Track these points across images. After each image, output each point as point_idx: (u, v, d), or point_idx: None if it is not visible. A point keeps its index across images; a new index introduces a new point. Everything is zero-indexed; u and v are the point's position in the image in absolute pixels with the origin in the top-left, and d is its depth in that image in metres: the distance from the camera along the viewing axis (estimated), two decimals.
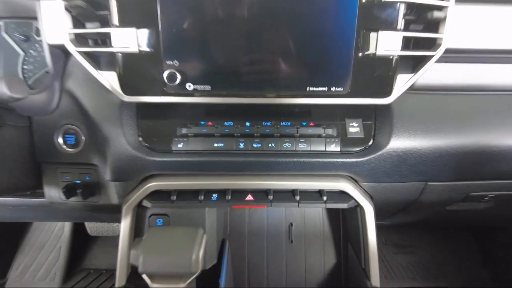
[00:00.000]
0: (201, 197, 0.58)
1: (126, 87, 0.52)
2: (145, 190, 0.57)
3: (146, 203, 0.58)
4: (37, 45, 0.67)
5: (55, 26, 0.56)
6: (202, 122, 0.55)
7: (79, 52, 0.52)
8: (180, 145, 0.54)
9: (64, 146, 0.61)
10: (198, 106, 0.55)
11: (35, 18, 0.66)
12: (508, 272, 1.10)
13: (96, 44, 0.54)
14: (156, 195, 0.58)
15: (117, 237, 1.15)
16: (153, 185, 0.57)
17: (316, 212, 0.71)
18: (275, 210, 0.71)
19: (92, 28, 0.52)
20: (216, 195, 0.58)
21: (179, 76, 0.50)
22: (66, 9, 0.51)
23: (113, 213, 0.67)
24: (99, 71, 0.52)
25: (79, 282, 1.19)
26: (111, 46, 0.50)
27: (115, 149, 0.55)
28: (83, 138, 0.60)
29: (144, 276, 0.46)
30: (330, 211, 0.73)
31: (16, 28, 0.67)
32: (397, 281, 1.02)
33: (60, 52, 0.60)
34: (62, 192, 0.62)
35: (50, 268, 1.19)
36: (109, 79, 0.52)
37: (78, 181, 0.62)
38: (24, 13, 0.66)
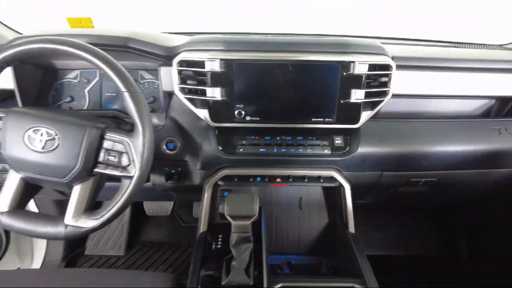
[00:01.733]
0: (251, 180, 1.00)
1: (213, 117, 0.94)
2: (220, 175, 0.99)
3: (220, 183, 1.01)
4: (141, 86, 1.09)
5: (169, 81, 0.97)
6: (252, 137, 0.97)
7: (186, 98, 0.94)
8: (241, 150, 0.97)
9: (167, 150, 1.02)
10: (251, 128, 0.97)
11: (141, 69, 1.08)
12: (450, 238, 1.54)
13: (195, 93, 0.95)
14: (226, 178, 1.01)
15: (167, 216, 1.57)
16: (224, 172, 0.99)
17: (316, 190, 1.15)
18: (291, 189, 1.14)
19: (192, 85, 0.94)
20: (259, 178, 1.01)
21: (243, 112, 0.93)
22: (179, 72, 0.93)
23: (191, 192, 1.09)
24: (196, 108, 0.94)
25: (137, 252, 1.60)
26: (206, 96, 0.92)
27: (205, 152, 0.96)
28: (179, 145, 1.01)
29: (228, 217, 0.87)
30: (324, 189, 1.17)
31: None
32: (374, 250, 1.44)
33: (167, 94, 1.01)
34: (164, 177, 1.03)
35: (116, 240, 1.60)
36: (203, 113, 0.94)
37: (173, 170, 1.03)
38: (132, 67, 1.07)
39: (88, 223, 0.76)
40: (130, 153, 0.75)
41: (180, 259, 1.55)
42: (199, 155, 0.98)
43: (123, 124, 0.92)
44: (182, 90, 0.94)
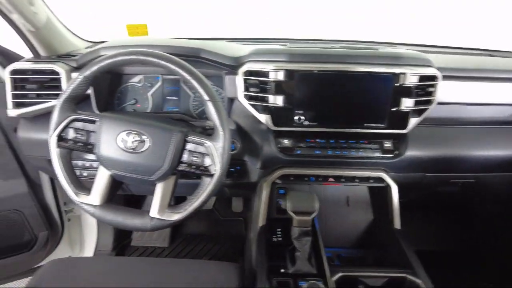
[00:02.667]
0: (306, 179, 1.10)
1: (274, 122, 1.02)
2: (277, 174, 1.09)
3: (277, 181, 1.10)
4: None
5: (232, 88, 1.05)
6: (308, 140, 1.06)
7: (249, 104, 1.03)
8: (298, 152, 1.06)
9: None
10: (307, 132, 1.06)
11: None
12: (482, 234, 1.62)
13: (257, 100, 1.04)
14: (282, 177, 1.10)
15: (207, 210, 1.67)
16: (282, 171, 1.08)
17: (362, 189, 1.23)
18: (339, 188, 1.23)
19: (255, 92, 1.03)
20: (313, 178, 1.10)
21: (302, 118, 1.02)
22: (244, 81, 1.02)
23: (245, 188, 1.19)
24: (258, 113, 1.03)
25: (180, 244, 1.71)
26: (268, 102, 1.01)
27: (265, 153, 1.05)
28: (239, 146, 1.10)
29: (290, 212, 0.96)
30: (370, 188, 1.25)
31: None
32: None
33: (229, 100, 1.10)
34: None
35: (161, 233, 1.70)
36: (264, 117, 1.03)
37: (232, 169, 1.13)
38: None
39: (172, 216, 0.85)
40: (211, 154, 0.84)
41: (221, 251, 1.65)
42: (259, 156, 1.07)
43: (193, 127, 1.01)
44: (246, 96, 1.02)
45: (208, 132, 1.02)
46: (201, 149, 0.85)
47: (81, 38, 1.32)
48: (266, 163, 1.07)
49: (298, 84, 0.99)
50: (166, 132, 0.84)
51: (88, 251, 1.64)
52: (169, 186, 0.87)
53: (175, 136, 0.84)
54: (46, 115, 1.08)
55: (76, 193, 0.86)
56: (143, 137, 0.84)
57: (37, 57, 1.13)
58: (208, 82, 0.86)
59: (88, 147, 0.86)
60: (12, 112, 1.05)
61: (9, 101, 1.05)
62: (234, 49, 1.09)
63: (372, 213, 1.23)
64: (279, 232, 1.06)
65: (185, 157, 0.85)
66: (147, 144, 0.83)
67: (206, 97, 0.84)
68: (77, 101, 0.88)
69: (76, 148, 0.87)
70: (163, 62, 0.84)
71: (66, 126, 0.86)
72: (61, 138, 0.86)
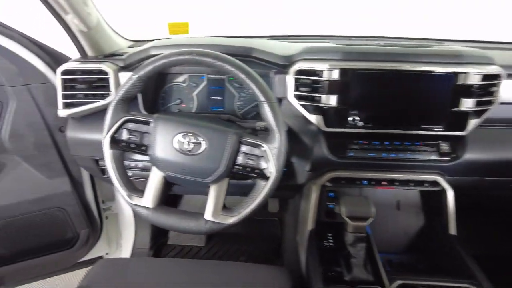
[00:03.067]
0: (357, 182, 1.06)
1: (326, 122, 0.99)
2: (328, 177, 1.05)
3: (327, 184, 1.07)
4: (245, 90, 1.15)
5: (282, 87, 1.02)
6: (361, 141, 1.02)
7: (299, 104, 1.00)
8: (350, 154, 1.02)
9: None
10: (360, 133, 1.02)
11: None
12: None
13: (309, 100, 1.01)
14: (333, 180, 1.06)
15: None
16: (332, 174, 1.05)
17: (413, 192, 1.18)
18: (389, 191, 1.19)
19: (306, 92, 0.99)
20: (366, 181, 1.06)
21: (356, 118, 0.98)
22: (295, 80, 0.99)
23: (290, 190, 1.16)
24: (309, 114, 1.00)
25: (216, 243, 1.70)
26: (320, 102, 0.98)
27: (316, 154, 1.02)
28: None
29: (345, 218, 0.92)
30: (421, 192, 1.20)
31: (234, 80, 1.15)
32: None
33: (278, 100, 1.07)
34: None
35: None
36: (316, 118, 1.00)
37: None
38: None
39: (227, 219, 0.83)
40: (267, 157, 0.81)
41: (257, 252, 1.63)
42: (308, 157, 1.04)
43: (244, 128, 0.99)
44: (296, 96, 0.99)
45: (259, 134, 1.00)
46: (256, 151, 0.83)
47: (123, 37, 1.32)
48: (316, 165, 1.04)
49: (353, 84, 0.96)
50: (222, 134, 0.82)
51: (126, 249, 1.65)
52: (222, 188, 0.85)
53: (231, 138, 0.82)
54: (92, 115, 1.09)
55: (130, 195, 0.85)
56: (199, 139, 0.82)
57: (84, 57, 1.13)
58: (264, 83, 0.83)
59: (142, 148, 0.85)
60: (63, 112, 1.05)
61: (60, 101, 1.05)
62: (283, 48, 1.06)
63: (423, 218, 1.18)
64: (330, 237, 1.02)
65: (240, 159, 0.83)
66: (203, 146, 0.82)
67: (262, 98, 0.82)
68: (130, 102, 0.87)
69: (130, 150, 0.86)
70: (219, 63, 0.81)
71: (120, 127, 0.85)
72: (114, 140, 0.85)
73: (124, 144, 0.85)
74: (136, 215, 1.62)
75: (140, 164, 1.13)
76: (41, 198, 1.33)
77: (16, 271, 1.42)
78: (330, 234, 1.03)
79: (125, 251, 1.65)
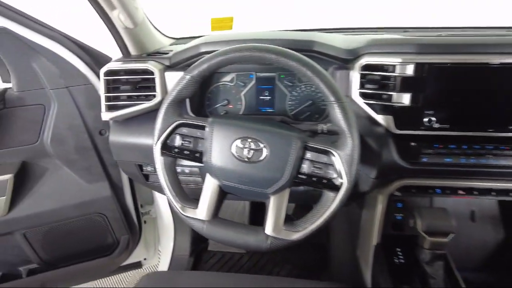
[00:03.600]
0: (430, 191, 0.93)
1: (398, 124, 0.87)
2: (397, 185, 0.93)
3: (396, 193, 0.95)
4: (297, 88, 1.05)
5: (343, 84, 0.92)
6: (436, 145, 0.90)
7: (366, 103, 0.89)
8: (424, 159, 0.90)
9: None
10: (435, 136, 0.89)
11: None
12: None
13: (377, 98, 0.89)
14: (402, 188, 0.94)
15: (286, 216, 1.54)
16: (403, 182, 0.93)
17: (489, 202, 1.05)
18: (460, 200, 1.06)
19: (373, 90, 0.88)
20: (439, 190, 0.94)
21: (432, 119, 0.85)
22: (361, 77, 0.88)
23: (353, 198, 1.05)
24: (377, 114, 0.89)
25: None
26: (391, 101, 0.86)
27: (384, 160, 0.91)
28: None
29: (422, 232, 0.81)
30: (500, 202, 1.07)
31: (285, 78, 1.06)
32: None
33: None
34: None
35: None
36: (384, 119, 0.88)
37: None
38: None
39: (290, 235, 0.74)
40: (337, 164, 0.71)
41: (302, 260, 1.53)
42: (374, 163, 0.93)
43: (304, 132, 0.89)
44: (361, 94, 0.88)
45: (321, 137, 0.89)
46: (323, 158, 0.73)
47: (164, 34, 1.24)
48: (384, 172, 0.93)
49: (429, 80, 0.83)
50: (285, 139, 0.73)
51: (165, 255, 1.60)
52: (284, 199, 0.76)
53: (295, 144, 0.72)
54: (136, 117, 1.02)
55: (183, 207, 0.77)
56: (260, 145, 0.73)
57: (127, 56, 1.06)
58: (333, 81, 0.73)
59: (196, 155, 0.77)
60: (106, 115, 0.99)
61: (103, 104, 0.99)
62: (345, 41, 0.95)
63: (503, 231, 1.04)
64: (400, 253, 0.91)
65: (305, 167, 0.73)
66: (264, 153, 0.73)
67: (332, 97, 0.71)
68: (182, 105, 0.79)
69: (183, 156, 0.78)
70: (283, 59, 0.72)
71: (172, 132, 0.77)
72: (166, 146, 0.78)
73: (176, 150, 0.78)
74: (175, 219, 1.57)
75: (187, 170, 1.06)
76: (82, 203, 1.30)
77: (58, 277, 1.40)
78: (399, 250, 0.91)
79: (164, 257, 1.60)
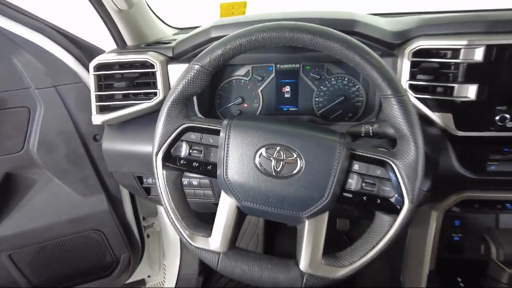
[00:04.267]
0: (499, 206, 0.75)
1: (459, 123, 0.69)
2: (457, 199, 0.75)
3: (454, 209, 0.77)
4: (326, 82, 0.88)
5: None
6: (507, 149, 0.72)
7: (417, 97, 0.71)
8: (492, 167, 0.72)
9: None
10: (505, 138, 0.71)
11: (327, 61, 0.87)
12: None
13: (431, 91, 0.72)
14: (463, 203, 0.76)
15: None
16: (464, 195, 0.75)
17: None
18: None
19: (428, 81, 0.71)
20: (511, 205, 0.75)
21: (507, 117, 0.67)
22: (412, 65, 0.70)
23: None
24: (432, 112, 0.71)
25: None
26: (451, 95, 0.68)
27: (441, 168, 0.73)
28: None
29: (497, 262, 0.63)
30: None
31: (311, 70, 0.88)
32: None
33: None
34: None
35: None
36: (442, 117, 0.70)
37: None
38: (318, 59, 0.86)
39: (333, 272, 0.57)
40: (395, 178, 0.54)
41: None
42: (428, 173, 0.75)
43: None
44: (413, 87, 0.71)
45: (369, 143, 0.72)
46: (376, 171, 0.55)
47: (166, 23, 1.07)
48: (440, 183, 0.75)
49: (504, 67, 0.65)
50: (326, 146, 0.55)
51: (171, 273, 1.43)
52: (322, 224, 0.59)
53: (339, 152, 0.55)
54: (134, 121, 0.85)
55: (192, 235, 0.60)
56: (294, 154, 0.55)
57: (122, 48, 0.89)
58: (391, 71, 0.55)
59: (208, 168, 0.60)
60: (97, 119, 0.82)
61: (94, 104, 0.82)
62: (388, 22, 0.77)
63: None
64: (462, 284, 0.73)
65: (352, 183, 0.56)
66: (298, 165, 0.55)
67: (388, 90, 0.54)
68: (188, 103, 0.62)
69: (191, 170, 0.61)
70: (320, 40, 0.55)
71: (177, 139, 0.60)
72: (169, 156, 0.60)
73: (183, 162, 0.61)
74: None
75: (195, 182, 0.89)
76: (76, 219, 1.14)
77: None
78: (460, 279, 0.73)
79: (170, 275, 1.43)
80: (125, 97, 0.85)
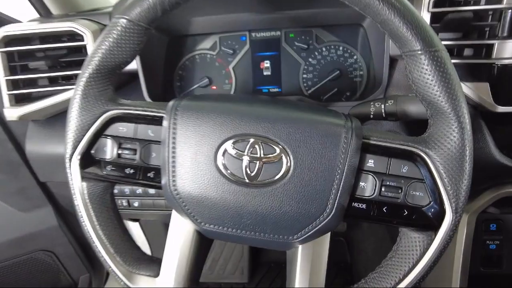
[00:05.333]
0: None
1: (499, 97, 0.51)
2: (494, 197, 0.57)
3: (491, 210, 0.59)
4: (316, 53, 0.69)
5: None
6: None
7: None
8: None
9: None
10: None
11: (316, 26, 0.68)
12: None
13: (457, 55, 0.54)
14: (502, 201, 0.58)
15: None
16: (503, 191, 0.57)
17: None
18: None
19: (453, 40, 0.52)
20: None
21: None
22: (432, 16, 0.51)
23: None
24: (462, 82, 0.52)
25: (264, 277, 1.25)
26: (489, 57, 0.50)
27: (474, 159, 0.55)
28: None
29: None
30: None
31: (296, 39, 0.69)
32: None
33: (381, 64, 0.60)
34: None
35: (237, 263, 1.26)
36: (476, 90, 0.52)
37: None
38: (304, 21, 0.67)
39: None
40: (430, 178, 0.35)
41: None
42: None
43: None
44: None
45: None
46: (402, 167, 0.36)
47: None
48: (474, 177, 0.56)
49: None
50: (325, 135, 0.36)
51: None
52: (322, 249, 0.40)
53: (346, 142, 0.36)
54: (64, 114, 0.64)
55: (129, 273, 0.41)
56: (276, 148, 0.36)
57: (47, 16, 0.68)
58: (420, 15, 0.35)
59: (148, 175, 0.40)
60: (12, 112, 0.61)
61: (5, 93, 0.61)
62: None
63: None
64: None
65: (367, 187, 0.37)
66: (284, 165, 0.36)
67: (416, 43, 0.34)
68: (115, 80, 0.42)
69: (123, 179, 0.41)
70: None
71: (99, 134, 0.40)
72: (89, 161, 0.40)
73: (111, 168, 0.40)
74: (150, 241, 1.21)
75: (139, 190, 0.69)
76: (18, 239, 0.94)
77: None
78: None
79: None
80: (52, 82, 0.63)
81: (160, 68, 0.68)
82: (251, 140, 0.36)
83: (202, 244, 0.43)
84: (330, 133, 0.36)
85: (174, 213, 0.41)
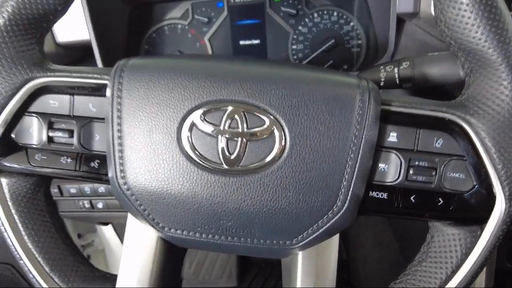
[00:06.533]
0: None
1: None
2: None
3: None
4: (306, 20, 0.59)
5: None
6: None
7: None
8: None
9: None
10: None
11: None
12: None
13: None
14: None
15: None
16: None
17: None
18: None
19: None
20: None
21: None
22: None
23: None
24: None
25: (255, 279, 1.16)
26: None
27: None
28: None
29: None
30: None
31: (282, 2, 0.59)
32: None
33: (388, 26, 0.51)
34: None
35: (224, 265, 1.16)
36: None
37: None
38: None
39: None
40: (473, 155, 0.25)
41: None
42: None
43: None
44: None
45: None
46: (435, 141, 0.26)
47: None
48: None
49: None
50: (333, 99, 0.26)
51: None
52: (331, 256, 0.29)
53: (362, 109, 0.25)
54: None
55: None
56: (265, 119, 0.25)
57: None
58: None
59: (91, 164, 0.29)
60: None
61: None
62: None
63: None
64: None
65: (389, 170, 0.27)
66: (277, 142, 0.25)
67: None
68: (43, 33, 0.31)
69: (57, 172, 0.29)
70: None
71: (22, 112, 0.28)
72: (11, 148, 0.29)
73: (41, 158, 0.29)
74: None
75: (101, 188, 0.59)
76: None
77: None
78: None
79: None
80: None
81: (123, 42, 0.57)
82: (229, 108, 0.26)
83: (171, 255, 0.32)
84: (339, 95, 0.26)
85: (130, 218, 0.30)
